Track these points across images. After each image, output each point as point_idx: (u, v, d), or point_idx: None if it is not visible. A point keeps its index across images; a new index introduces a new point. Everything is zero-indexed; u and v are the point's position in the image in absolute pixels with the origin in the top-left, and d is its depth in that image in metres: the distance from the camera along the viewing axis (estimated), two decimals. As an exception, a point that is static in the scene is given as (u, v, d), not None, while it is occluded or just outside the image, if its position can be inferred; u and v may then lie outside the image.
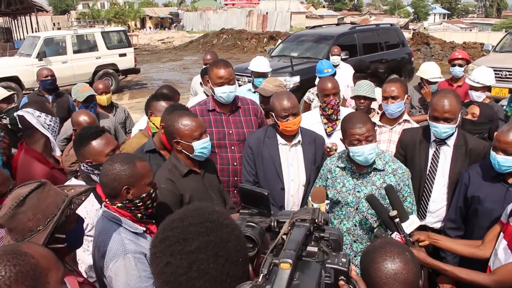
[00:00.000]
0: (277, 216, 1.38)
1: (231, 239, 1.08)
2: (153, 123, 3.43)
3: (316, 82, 5.60)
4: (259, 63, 5.31)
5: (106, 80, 10.84)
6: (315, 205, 2.60)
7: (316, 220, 1.28)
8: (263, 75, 5.20)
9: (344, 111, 3.84)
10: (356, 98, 4.16)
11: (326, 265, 1.23)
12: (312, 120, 3.75)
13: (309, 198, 2.75)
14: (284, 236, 1.27)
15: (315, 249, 1.24)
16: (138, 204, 2.12)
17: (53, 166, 3.09)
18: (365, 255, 1.59)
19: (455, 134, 3.07)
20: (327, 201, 2.67)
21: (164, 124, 2.78)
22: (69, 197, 1.75)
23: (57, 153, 3.13)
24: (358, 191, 2.81)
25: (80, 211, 2.51)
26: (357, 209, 2.82)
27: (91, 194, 2.59)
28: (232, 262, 1.06)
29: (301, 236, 1.19)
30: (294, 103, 3.12)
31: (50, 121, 3.08)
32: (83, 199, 1.83)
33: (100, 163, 2.51)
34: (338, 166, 2.93)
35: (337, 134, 3.72)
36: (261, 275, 1.04)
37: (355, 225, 2.85)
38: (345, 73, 6.73)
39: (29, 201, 1.65)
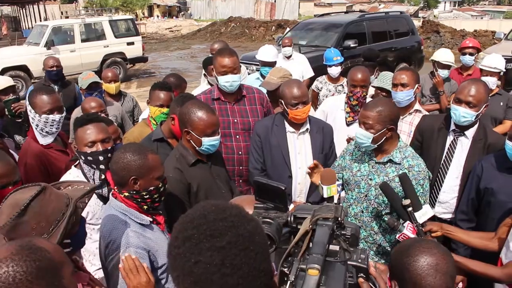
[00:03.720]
0: (295, 211, 1.33)
1: (257, 233, 1.04)
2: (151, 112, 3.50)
3: (328, 70, 5.57)
4: (266, 52, 5.27)
5: (114, 69, 10.85)
6: (325, 187, 2.55)
7: (339, 218, 1.23)
8: (270, 64, 5.16)
9: None
10: (378, 89, 4.11)
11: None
12: (335, 106, 3.73)
13: (319, 181, 2.68)
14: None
15: (337, 247, 1.20)
16: (145, 197, 2.11)
17: (51, 146, 3.12)
18: (398, 254, 1.56)
19: (476, 126, 3.01)
20: (338, 182, 2.61)
21: (178, 112, 2.76)
22: (72, 202, 1.66)
23: (41, 142, 3.09)
24: (371, 179, 2.80)
25: None
26: (366, 195, 2.82)
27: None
28: (262, 256, 1.02)
29: (327, 238, 1.14)
30: (304, 91, 3.12)
31: (34, 116, 3.04)
32: (86, 201, 1.77)
33: (80, 151, 2.52)
34: (360, 150, 2.92)
35: (356, 126, 3.70)
36: (289, 282, 1.01)
37: (362, 211, 2.85)
38: (299, 64, 6.67)
39: (31, 209, 1.55)
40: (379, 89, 4.07)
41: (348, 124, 3.75)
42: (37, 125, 3.06)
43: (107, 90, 4.77)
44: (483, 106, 2.90)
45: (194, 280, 1.00)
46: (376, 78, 4.56)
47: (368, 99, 3.98)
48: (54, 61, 5.47)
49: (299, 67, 6.30)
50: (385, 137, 2.69)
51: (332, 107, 3.72)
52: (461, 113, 2.89)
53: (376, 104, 2.74)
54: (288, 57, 6.85)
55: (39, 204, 1.57)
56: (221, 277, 0.98)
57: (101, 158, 2.49)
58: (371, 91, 4.49)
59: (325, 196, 2.53)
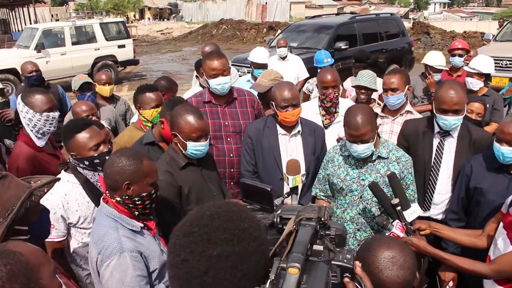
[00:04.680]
0: (280, 212, 1.33)
1: (255, 254, 1.01)
2: (144, 116, 3.45)
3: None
4: (259, 54, 5.28)
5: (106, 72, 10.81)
6: (290, 177, 2.57)
7: (322, 219, 1.24)
8: (263, 66, 5.17)
9: (343, 102, 3.82)
10: (357, 87, 4.15)
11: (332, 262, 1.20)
12: (310, 111, 3.73)
13: (284, 171, 2.70)
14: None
15: (321, 247, 1.21)
16: (137, 202, 2.09)
17: (42, 150, 3.09)
18: (361, 249, 1.60)
19: (459, 125, 3.03)
20: (302, 172, 2.62)
21: (168, 114, 2.76)
22: (29, 189, 1.69)
23: (38, 144, 3.06)
24: (363, 179, 2.80)
25: (72, 204, 2.51)
26: (361, 197, 2.82)
27: (81, 188, 2.58)
28: (250, 277, 0.99)
29: (308, 237, 1.15)
30: (295, 94, 3.12)
31: (33, 116, 3.00)
32: (45, 191, 1.78)
33: (84, 156, 2.49)
34: (341, 155, 2.92)
35: (334, 127, 3.71)
36: (269, 281, 1.00)
37: (359, 214, 2.85)
38: (293, 65, 6.68)
39: None
40: (358, 87, 4.10)
41: (326, 126, 3.73)
42: (34, 126, 3.01)
43: (101, 92, 4.74)
44: (465, 105, 2.96)
45: (176, 276, 1.00)
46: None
47: (351, 102, 4.01)
48: (32, 66, 5.32)
49: (294, 68, 6.31)
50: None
51: (307, 113, 3.68)
52: (452, 122, 2.90)
53: (359, 116, 2.63)
54: (283, 58, 6.87)
55: None
56: (200, 284, 0.97)
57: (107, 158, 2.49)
58: (353, 93, 4.52)
59: (290, 185, 2.60)
